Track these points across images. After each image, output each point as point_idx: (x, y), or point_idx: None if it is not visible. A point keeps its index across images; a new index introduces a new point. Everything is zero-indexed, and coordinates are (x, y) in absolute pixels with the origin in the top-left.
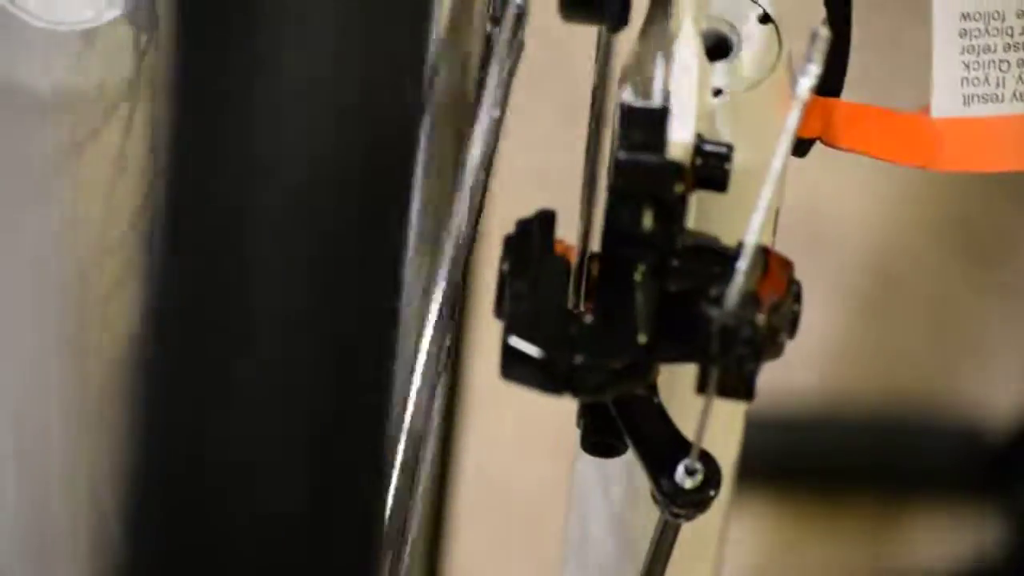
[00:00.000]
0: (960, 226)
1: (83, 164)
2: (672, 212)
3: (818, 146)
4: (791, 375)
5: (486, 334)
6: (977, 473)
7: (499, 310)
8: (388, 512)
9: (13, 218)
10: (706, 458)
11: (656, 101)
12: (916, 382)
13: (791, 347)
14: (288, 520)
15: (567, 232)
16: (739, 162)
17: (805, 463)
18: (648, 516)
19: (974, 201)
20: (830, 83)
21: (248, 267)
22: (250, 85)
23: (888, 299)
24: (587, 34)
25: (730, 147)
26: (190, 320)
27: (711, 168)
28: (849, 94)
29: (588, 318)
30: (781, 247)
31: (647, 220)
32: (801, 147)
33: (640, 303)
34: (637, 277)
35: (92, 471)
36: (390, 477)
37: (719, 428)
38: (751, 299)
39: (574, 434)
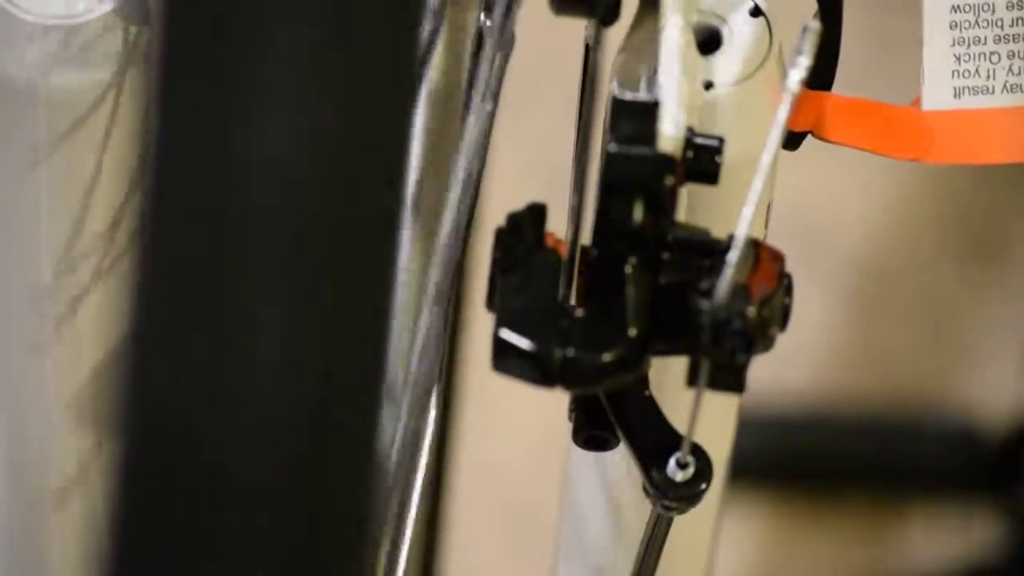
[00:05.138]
0: (957, 223)
1: (74, 158)
2: (663, 205)
3: (814, 142)
4: (788, 374)
5: (482, 328)
6: (974, 472)
7: (491, 303)
8: (385, 507)
9: (2, 212)
10: (697, 451)
11: (647, 94)
12: (913, 380)
13: (788, 345)
14: (283, 512)
15: (559, 225)
16: (730, 155)
17: (802, 462)
18: (641, 510)
19: (971, 198)
20: (821, 76)
21: (236, 265)
22: (238, 83)
23: (885, 297)
24: (582, 27)
25: (721, 140)
26: (175, 313)
27: (702, 161)
28: (840, 87)
29: (579, 311)
30: (777, 243)
31: (638, 213)
32: (792, 141)
33: (631, 296)
34: (628, 270)
35: (83, 475)
36: (388, 472)
37: (712, 423)
38: (741, 292)
39: (569, 428)
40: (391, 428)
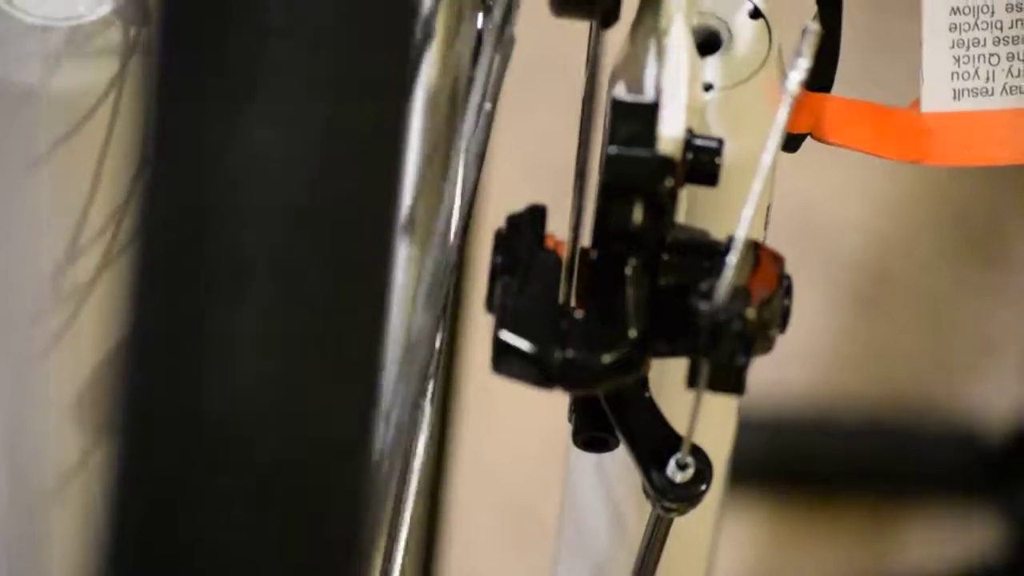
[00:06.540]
0: (957, 224)
1: (74, 160)
2: (662, 207)
3: (814, 144)
4: (788, 375)
5: (480, 328)
6: (975, 474)
7: (490, 304)
8: (383, 507)
9: (1, 214)
10: (697, 452)
11: (647, 96)
12: (913, 382)
13: (788, 347)
14: (279, 512)
15: (559, 226)
16: (729, 157)
17: (801, 464)
18: (641, 511)
19: (971, 199)
20: (821, 78)
21: (232, 263)
22: (236, 83)
23: (885, 298)
24: (581, 29)
25: (720, 142)
26: (172, 310)
27: (702, 163)
28: (840, 89)
29: (579, 312)
30: (777, 245)
31: (637, 215)
32: (792, 142)
33: (631, 297)
34: (628, 271)
35: (82, 473)
36: (385, 472)
37: (712, 425)
38: (741, 293)
39: (569, 430)
40: (385, 428)
